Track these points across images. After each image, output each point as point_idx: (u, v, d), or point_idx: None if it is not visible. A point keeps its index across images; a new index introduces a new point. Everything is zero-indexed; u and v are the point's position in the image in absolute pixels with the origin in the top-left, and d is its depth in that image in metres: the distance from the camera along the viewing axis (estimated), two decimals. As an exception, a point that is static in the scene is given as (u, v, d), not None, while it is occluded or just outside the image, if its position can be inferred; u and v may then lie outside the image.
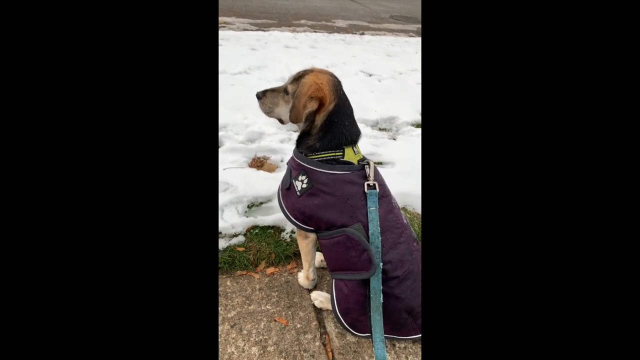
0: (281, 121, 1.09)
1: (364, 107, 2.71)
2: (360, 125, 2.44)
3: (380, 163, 2.02)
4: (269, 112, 1.08)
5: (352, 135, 1.00)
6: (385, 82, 3.45)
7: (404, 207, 1.68)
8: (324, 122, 0.97)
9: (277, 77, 3.20)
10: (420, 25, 6.85)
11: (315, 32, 5.57)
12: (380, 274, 0.95)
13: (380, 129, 2.52)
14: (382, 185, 1.03)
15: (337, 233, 0.99)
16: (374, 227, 0.95)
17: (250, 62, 3.54)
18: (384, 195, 1.02)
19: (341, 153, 0.99)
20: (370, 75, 3.61)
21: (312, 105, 0.93)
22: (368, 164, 1.01)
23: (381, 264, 0.95)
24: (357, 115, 2.53)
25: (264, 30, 5.17)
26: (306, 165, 1.01)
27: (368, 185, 0.98)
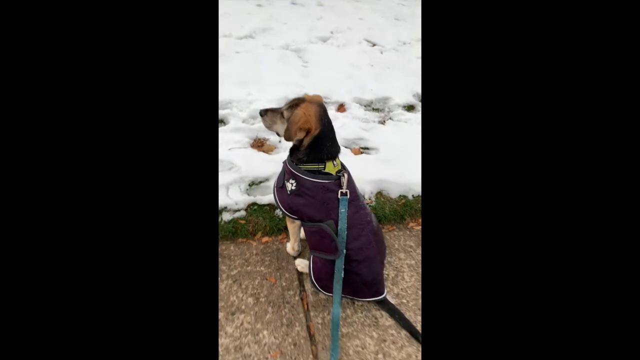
0: (278, 134, 1.35)
1: (361, 85, 2.87)
2: (354, 107, 2.65)
3: (367, 148, 2.28)
4: (269, 127, 1.34)
5: (331, 153, 1.28)
6: (387, 54, 3.52)
7: (379, 192, 2.00)
8: (310, 142, 1.24)
9: (281, 44, 3.28)
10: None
11: (324, -17, 5.33)
12: (344, 257, 1.30)
13: (373, 109, 2.72)
14: (353, 191, 1.33)
15: (315, 225, 1.32)
16: (342, 224, 1.28)
17: (255, 23, 3.57)
18: (354, 199, 1.33)
19: (322, 166, 1.28)
20: (374, 45, 3.66)
21: (300, 135, 1.20)
22: (344, 175, 1.30)
23: (345, 250, 1.30)
24: (354, 94, 2.73)
25: (271, -21, 4.97)
26: (295, 172, 1.30)
27: (341, 192, 1.29)
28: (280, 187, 1.37)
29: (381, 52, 3.55)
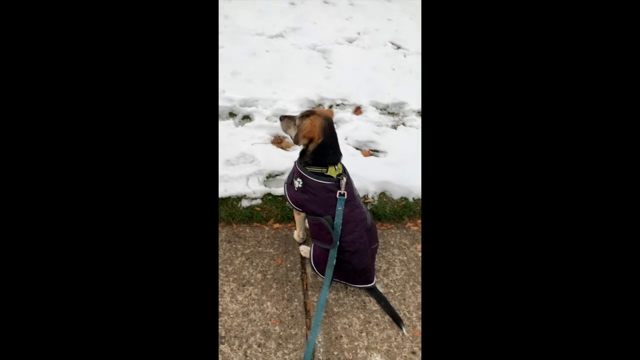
0: (291, 137, 1.59)
1: (380, 89, 3.01)
2: (370, 110, 2.83)
3: (376, 151, 2.47)
4: (284, 131, 1.59)
5: (333, 160, 1.51)
6: (410, 58, 3.63)
7: (382, 192, 2.20)
8: (315, 149, 1.48)
9: (309, 44, 3.48)
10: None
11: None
12: (337, 248, 1.53)
13: (389, 113, 2.88)
14: (350, 192, 1.55)
15: (316, 219, 1.56)
16: (338, 220, 1.51)
17: (287, 22, 3.78)
18: (350, 199, 1.55)
19: (325, 169, 1.51)
20: (398, 48, 3.78)
21: (305, 141, 1.44)
22: (343, 178, 1.52)
23: (338, 242, 1.53)
24: (371, 98, 2.91)
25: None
26: (302, 173, 1.54)
27: (339, 193, 1.51)
28: (289, 183, 1.62)
29: (404, 56, 3.66)
